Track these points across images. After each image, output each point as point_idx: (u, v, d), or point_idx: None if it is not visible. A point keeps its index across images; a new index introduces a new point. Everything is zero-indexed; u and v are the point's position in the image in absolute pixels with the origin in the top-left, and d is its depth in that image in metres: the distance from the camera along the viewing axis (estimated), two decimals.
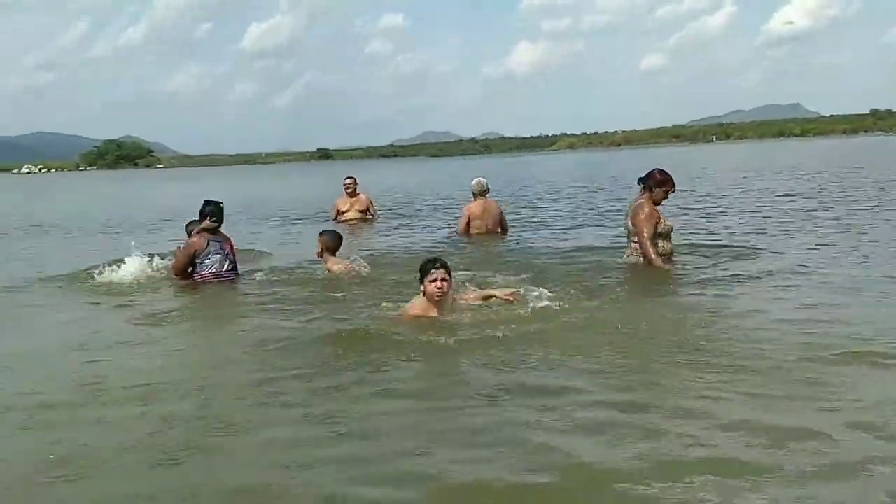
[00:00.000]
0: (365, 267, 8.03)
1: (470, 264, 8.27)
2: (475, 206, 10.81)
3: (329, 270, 7.93)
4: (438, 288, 5.48)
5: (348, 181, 13.53)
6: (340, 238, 8.24)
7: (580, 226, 12.61)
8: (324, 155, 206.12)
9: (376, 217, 13.91)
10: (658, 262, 7.35)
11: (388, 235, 12.02)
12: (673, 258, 7.73)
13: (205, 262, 7.80)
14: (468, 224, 10.74)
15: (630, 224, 7.59)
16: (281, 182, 48.87)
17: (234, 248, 8.08)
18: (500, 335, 5.11)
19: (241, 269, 8.23)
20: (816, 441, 3.24)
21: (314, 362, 4.86)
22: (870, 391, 3.84)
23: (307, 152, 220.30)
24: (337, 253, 8.09)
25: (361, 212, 13.40)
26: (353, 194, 13.54)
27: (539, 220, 13.84)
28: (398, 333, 5.37)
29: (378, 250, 9.92)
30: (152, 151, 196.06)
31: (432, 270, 5.50)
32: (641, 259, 7.49)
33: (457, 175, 39.29)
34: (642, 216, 7.45)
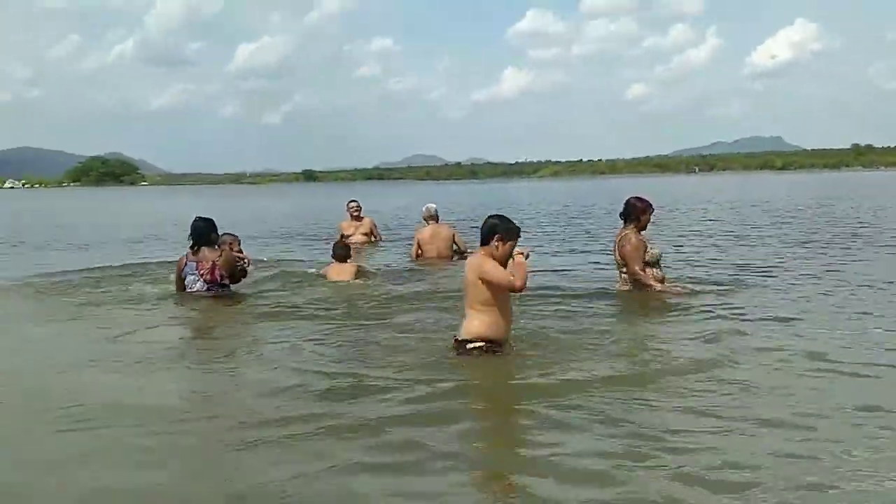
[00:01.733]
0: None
1: (430, 287, 8.60)
2: (425, 232, 10.97)
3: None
4: (518, 253, 5.25)
5: (353, 204, 13.35)
6: (348, 248, 9.53)
7: (567, 251, 12.80)
8: (309, 176, 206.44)
9: (380, 239, 13.69)
10: (658, 286, 7.48)
11: (393, 255, 11.93)
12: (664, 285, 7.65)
13: (185, 280, 7.95)
14: (419, 248, 10.88)
15: (618, 257, 7.65)
16: (269, 201, 48.86)
17: (217, 266, 7.82)
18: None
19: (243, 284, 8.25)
20: None
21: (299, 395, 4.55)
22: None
23: (293, 173, 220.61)
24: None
25: (365, 234, 13.25)
26: (357, 217, 13.36)
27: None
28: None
29: (383, 270, 10.13)
30: (137, 169, 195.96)
31: (517, 240, 5.30)
32: (631, 287, 7.56)
33: (450, 198, 39.49)
34: (629, 248, 7.50)
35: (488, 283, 5.08)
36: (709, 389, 4.48)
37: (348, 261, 9.25)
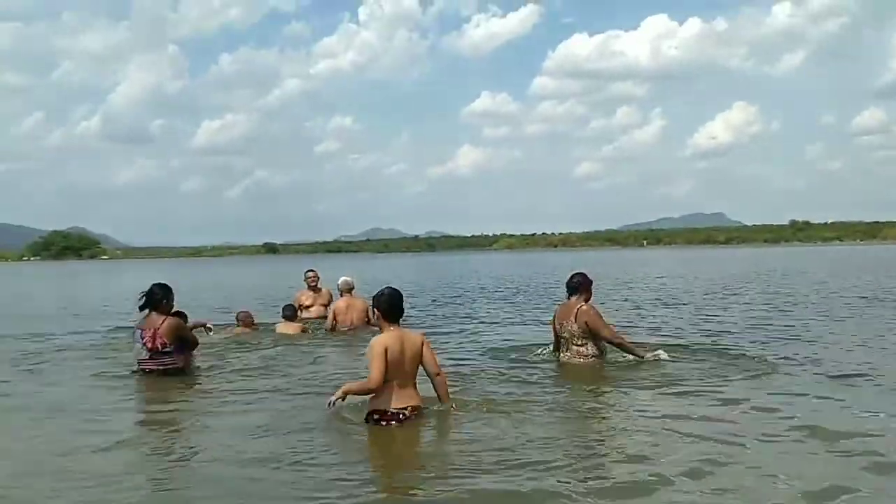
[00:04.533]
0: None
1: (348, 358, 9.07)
2: (341, 304, 11.34)
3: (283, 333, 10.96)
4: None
5: (310, 274, 12.77)
6: (294, 308, 11.70)
7: (511, 323, 13.26)
8: (270, 249, 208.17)
9: None
10: (642, 351, 7.81)
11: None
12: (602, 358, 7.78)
13: (134, 349, 7.69)
14: (335, 319, 11.22)
15: (575, 328, 7.66)
16: (229, 273, 49.56)
17: (160, 333, 7.49)
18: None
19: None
20: None
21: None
22: None
23: (254, 246, 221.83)
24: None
25: (324, 306, 12.47)
26: (315, 288, 12.77)
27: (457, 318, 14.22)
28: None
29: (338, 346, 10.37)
30: (98, 243, 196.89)
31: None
32: (590, 359, 7.66)
33: (401, 270, 42.41)
34: (595, 317, 7.64)
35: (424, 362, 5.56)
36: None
37: (296, 321, 11.35)
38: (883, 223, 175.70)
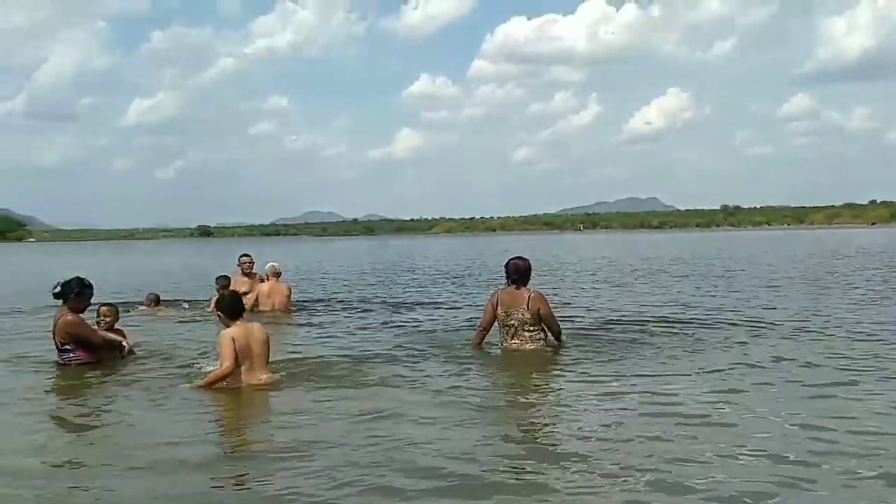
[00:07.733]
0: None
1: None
2: (264, 287, 11.64)
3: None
4: None
5: (245, 259, 12.37)
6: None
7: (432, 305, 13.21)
8: (204, 232, 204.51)
9: None
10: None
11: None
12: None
13: None
14: (256, 301, 11.35)
15: (528, 315, 7.38)
16: (160, 259, 47.32)
17: (56, 330, 7.08)
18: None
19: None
20: None
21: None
22: None
23: (187, 229, 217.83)
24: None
25: None
26: (250, 274, 12.26)
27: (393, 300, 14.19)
28: None
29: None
30: (25, 225, 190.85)
31: None
32: (541, 343, 7.50)
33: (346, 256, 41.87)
34: (547, 306, 7.54)
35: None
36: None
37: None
38: (809, 208, 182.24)
